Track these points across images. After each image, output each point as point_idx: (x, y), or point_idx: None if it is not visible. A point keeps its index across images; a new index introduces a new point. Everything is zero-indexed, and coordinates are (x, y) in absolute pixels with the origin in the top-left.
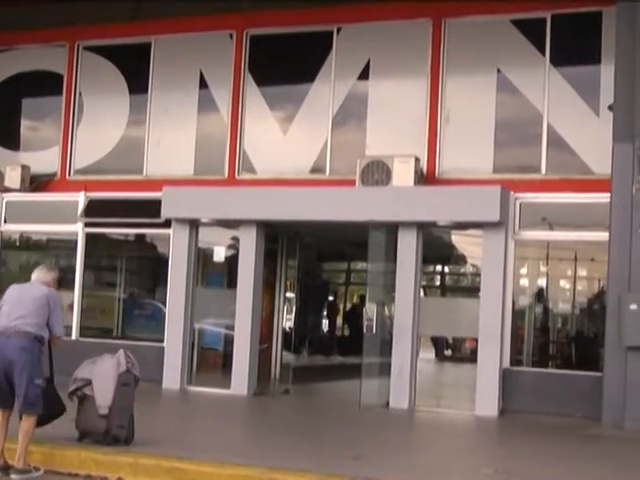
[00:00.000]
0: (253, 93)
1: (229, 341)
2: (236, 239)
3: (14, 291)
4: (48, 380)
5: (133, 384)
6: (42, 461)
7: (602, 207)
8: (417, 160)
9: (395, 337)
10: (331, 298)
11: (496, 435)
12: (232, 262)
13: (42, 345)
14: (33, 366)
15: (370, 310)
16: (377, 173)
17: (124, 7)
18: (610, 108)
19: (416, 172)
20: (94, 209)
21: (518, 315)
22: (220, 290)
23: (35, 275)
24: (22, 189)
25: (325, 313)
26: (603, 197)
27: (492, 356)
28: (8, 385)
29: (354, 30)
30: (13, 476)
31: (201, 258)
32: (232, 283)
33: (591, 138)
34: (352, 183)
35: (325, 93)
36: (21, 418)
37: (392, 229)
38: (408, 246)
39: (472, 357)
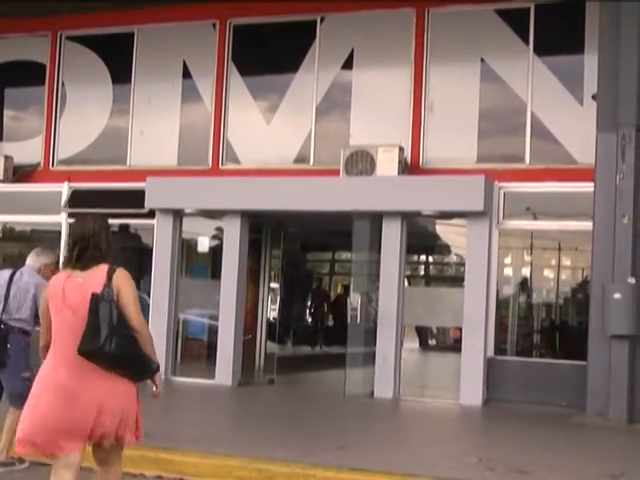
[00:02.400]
0: (237, 83)
1: (213, 331)
2: (220, 229)
3: (1, 282)
4: None
5: None
6: (27, 453)
7: (586, 197)
8: (401, 150)
9: (379, 327)
10: (315, 288)
11: (480, 424)
12: (216, 252)
13: (28, 337)
14: (18, 359)
15: (354, 300)
16: (361, 163)
17: None
18: (594, 98)
19: (400, 162)
20: (78, 199)
21: (502, 304)
22: (204, 280)
23: (28, 260)
24: (5, 180)
25: (309, 303)
26: (587, 186)
27: (476, 345)
28: None
29: (338, 19)
30: None
31: (185, 248)
32: (216, 273)
33: (575, 128)
34: (336, 173)
35: (309, 83)
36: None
37: (376, 219)
38: (392, 236)
39: (456, 346)
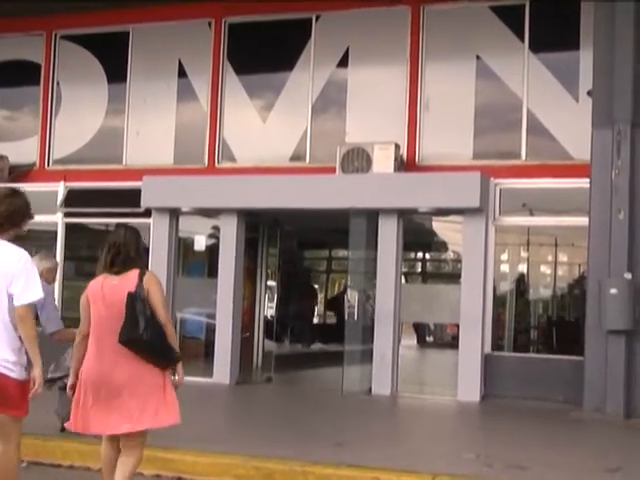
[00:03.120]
0: (232, 81)
1: (211, 330)
2: (217, 228)
3: None
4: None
5: None
6: (25, 453)
7: (582, 192)
8: (397, 147)
9: (377, 324)
10: (312, 286)
11: (478, 420)
12: (213, 251)
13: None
14: None
15: (352, 297)
16: (357, 160)
17: None
18: (589, 94)
19: (396, 159)
20: (74, 199)
21: (499, 301)
22: (201, 279)
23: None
24: (1, 180)
25: (306, 301)
26: (583, 182)
27: (474, 342)
28: None
29: (333, 18)
30: None
31: (182, 247)
32: (213, 272)
33: (570, 124)
34: (332, 170)
35: (304, 81)
36: None
37: (373, 216)
38: (389, 233)
39: (454, 343)
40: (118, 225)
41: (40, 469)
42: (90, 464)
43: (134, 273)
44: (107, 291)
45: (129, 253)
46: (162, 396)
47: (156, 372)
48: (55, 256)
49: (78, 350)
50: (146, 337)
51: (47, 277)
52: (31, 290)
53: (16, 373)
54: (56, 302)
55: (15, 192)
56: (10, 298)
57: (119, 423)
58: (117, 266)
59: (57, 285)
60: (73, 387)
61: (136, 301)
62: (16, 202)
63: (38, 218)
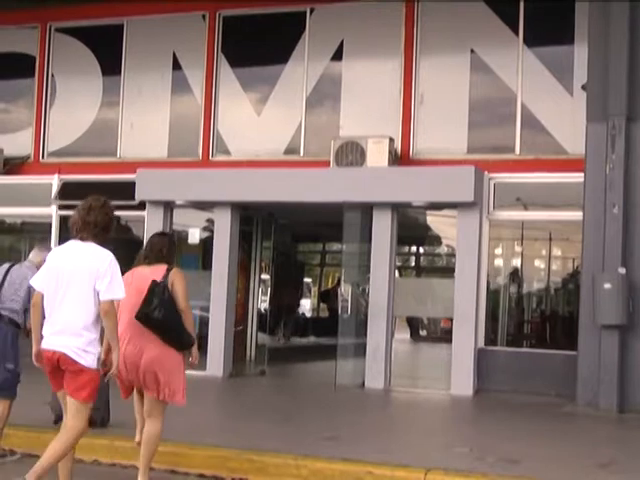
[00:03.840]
0: (227, 74)
1: (204, 323)
2: (211, 221)
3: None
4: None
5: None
6: (18, 445)
7: (576, 187)
8: (391, 141)
9: (370, 318)
10: (306, 279)
11: (471, 414)
12: (207, 244)
13: (18, 330)
14: (5, 350)
15: (345, 291)
16: (351, 154)
17: None
18: (584, 88)
19: (390, 153)
20: (68, 191)
21: (493, 295)
22: (195, 272)
23: (30, 255)
24: None
25: (300, 294)
26: (577, 177)
27: (467, 336)
28: None
29: (327, 10)
30: None
31: (176, 240)
32: (207, 265)
33: (565, 118)
34: (326, 164)
35: (299, 74)
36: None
37: (367, 210)
38: (383, 227)
39: (447, 337)
40: (158, 233)
41: (34, 461)
42: (83, 456)
43: (163, 267)
44: (137, 278)
45: (161, 251)
46: (179, 377)
47: (174, 354)
48: (51, 248)
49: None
50: (157, 315)
51: None
52: (115, 288)
53: (85, 361)
54: None
55: (106, 202)
56: (96, 294)
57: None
58: (149, 259)
59: None
60: (105, 363)
61: (156, 286)
62: (109, 213)
63: (33, 210)
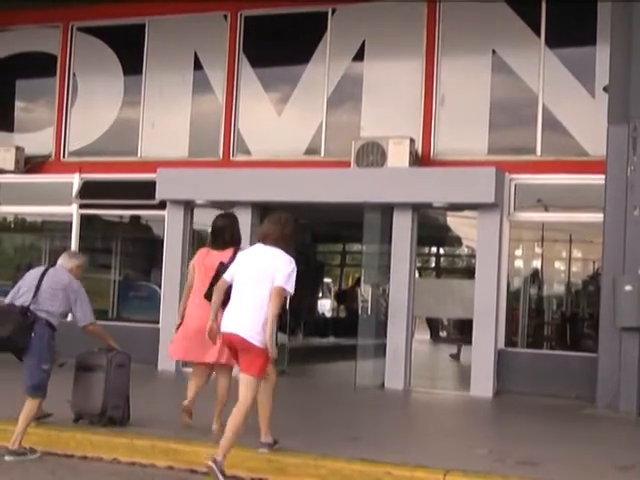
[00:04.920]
0: (248, 74)
1: None
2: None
3: (34, 274)
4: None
5: (128, 365)
6: (38, 443)
7: (597, 189)
8: (412, 141)
9: (390, 318)
10: (326, 280)
11: (490, 416)
12: None
13: (53, 331)
14: (42, 351)
15: (365, 291)
16: (372, 154)
17: None
18: (605, 90)
19: (411, 153)
20: (89, 191)
21: (513, 296)
22: None
23: (59, 261)
24: (16, 171)
25: (320, 295)
26: (598, 179)
27: (487, 337)
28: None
29: (349, 11)
30: (7, 458)
31: (196, 239)
32: None
33: (586, 120)
34: (347, 164)
35: (320, 74)
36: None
37: (387, 210)
38: (403, 227)
39: (467, 338)
40: (222, 214)
41: (53, 459)
42: (103, 454)
43: (230, 250)
44: (207, 259)
45: (225, 236)
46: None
47: None
48: (80, 255)
49: (184, 298)
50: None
51: (76, 273)
52: (290, 282)
53: (258, 342)
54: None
55: (286, 219)
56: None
57: (205, 355)
58: (217, 244)
59: None
60: (178, 327)
61: (222, 268)
62: (294, 226)
63: (53, 209)
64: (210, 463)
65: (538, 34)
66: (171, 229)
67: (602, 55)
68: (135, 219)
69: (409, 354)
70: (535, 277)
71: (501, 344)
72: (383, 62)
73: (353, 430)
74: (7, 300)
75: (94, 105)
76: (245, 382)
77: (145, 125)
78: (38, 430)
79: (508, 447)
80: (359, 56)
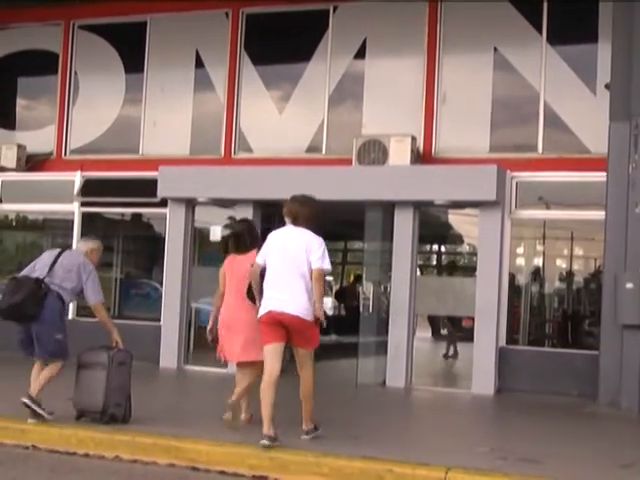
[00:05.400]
0: (249, 72)
1: None
2: (233, 218)
3: (51, 254)
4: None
5: (129, 362)
6: (40, 440)
7: (599, 186)
8: (414, 139)
9: (391, 316)
10: (327, 277)
11: (492, 414)
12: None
13: (63, 305)
14: (54, 322)
15: (367, 289)
16: (373, 152)
17: None
18: (607, 87)
19: (412, 151)
20: (90, 188)
21: (514, 294)
22: (216, 269)
23: (77, 245)
24: (18, 168)
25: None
26: (600, 176)
27: (488, 335)
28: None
29: (350, 8)
30: (30, 420)
31: (197, 237)
32: None
33: (588, 117)
34: (348, 162)
35: (321, 72)
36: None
37: (388, 208)
38: (404, 225)
39: (468, 336)
40: (237, 220)
41: (55, 457)
42: (104, 452)
43: (253, 253)
44: (236, 264)
45: (246, 241)
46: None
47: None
48: (95, 239)
49: (217, 303)
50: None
51: (92, 257)
52: (326, 260)
53: (309, 317)
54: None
55: (312, 199)
56: (309, 265)
57: (237, 352)
58: (240, 249)
59: None
60: (212, 330)
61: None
62: (315, 207)
63: (55, 207)
64: (304, 436)
65: (540, 31)
66: (172, 227)
67: (604, 52)
68: (136, 217)
69: (410, 352)
70: (536, 275)
71: (502, 342)
72: (384, 60)
73: (354, 428)
74: (22, 274)
75: (96, 103)
76: (303, 355)
77: (147, 123)
78: (40, 427)
79: (510, 445)
80: (360, 54)
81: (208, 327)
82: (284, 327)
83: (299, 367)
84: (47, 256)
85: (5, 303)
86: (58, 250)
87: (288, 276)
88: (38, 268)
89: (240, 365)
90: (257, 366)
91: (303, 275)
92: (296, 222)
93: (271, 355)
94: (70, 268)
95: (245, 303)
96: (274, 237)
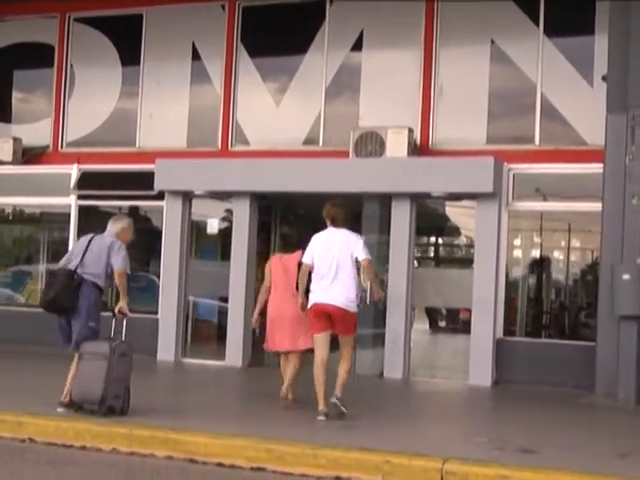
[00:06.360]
0: (246, 65)
1: (223, 313)
2: (229, 211)
3: (83, 241)
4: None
5: (130, 354)
6: (36, 433)
7: (595, 178)
8: (411, 131)
9: (389, 308)
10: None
11: (489, 404)
12: (226, 234)
13: (99, 291)
14: (89, 310)
15: (364, 281)
16: (370, 144)
17: None
18: (604, 79)
19: (410, 143)
20: (87, 182)
21: (512, 286)
22: (214, 262)
23: (107, 227)
24: (14, 162)
25: None
26: (596, 168)
27: (486, 326)
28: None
29: (347, 1)
30: (59, 409)
31: (194, 230)
32: (226, 255)
33: (585, 109)
34: (345, 154)
35: (318, 64)
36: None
37: (385, 200)
38: (402, 217)
39: (466, 328)
40: (288, 229)
41: (52, 449)
42: (102, 445)
43: (298, 253)
44: (282, 262)
45: (292, 242)
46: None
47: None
48: (125, 217)
49: (262, 296)
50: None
51: (123, 236)
52: (367, 252)
53: (353, 309)
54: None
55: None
56: (353, 260)
57: (285, 341)
58: (286, 249)
59: None
60: (256, 321)
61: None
62: (346, 208)
63: (51, 200)
64: (334, 400)
65: (537, 24)
66: (169, 220)
67: (601, 44)
68: (133, 210)
69: (408, 343)
70: (534, 266)
71: (500, 333)
72: (381, 52)
73: (352, 419)
74: (59, 265)
75: (92, 96)
76: (346, 341)
77: (143, 116)
78: (36, 420)
79: (507, 435)
80: (357, 46)
81: (253, 319)
82: (329, 317)
83: (341, 348)
84: (80, 244)
85: (43, 299)
86: (90, 236)
87: (336, 274)
88: (74, 257)
89: (287, 354)
90: (300, 353)
91: (347, 270)
92: (335, 223)
93: (320, 342)
94: (99, 253)
95: (291, 298)
96: (319, 239)
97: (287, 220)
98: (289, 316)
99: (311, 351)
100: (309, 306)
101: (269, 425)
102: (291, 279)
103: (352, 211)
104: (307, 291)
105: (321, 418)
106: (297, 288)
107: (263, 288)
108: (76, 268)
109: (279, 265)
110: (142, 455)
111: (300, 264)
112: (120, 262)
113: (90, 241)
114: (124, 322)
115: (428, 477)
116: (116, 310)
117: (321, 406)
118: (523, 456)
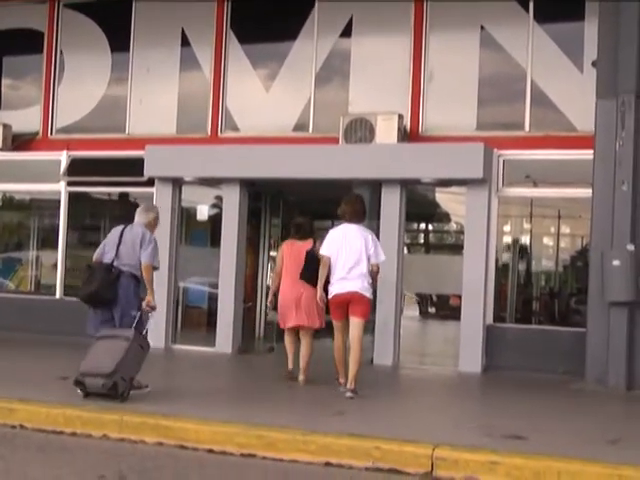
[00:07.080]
0: (236, 51)
1: (213, 299)
2: (219, 198)
3: (115, 233)
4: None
5: (146, 351)
6: (27, 419)
7: (585, 164)
8: (400, 117)
9: (379, 294)
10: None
11: (479, 391)
12: (216, 220)
13: (137, 281)
14: (129, 300)
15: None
16: (360, 130)
17: None
18: (594, 64)
19: (399, 129)
20: (77, 168)
21: (501, 272)
22: (204, 248)
23: (136, 218)
24: (4, 148)
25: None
26: (586, 154)
27: (476, 313)
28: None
29: None
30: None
31: (184, 217)
32: (216, 241)
33: (575, 95)
34: (335, 141)
35: (308, 50)
36: None
37: (376, 186)
38: (391, 204)
39: (456, 314)
40: (300, 215)
41: (42, 436)
42: (92, 431)
43: (310, 241)
44: (294, 248)
45: (306, 230)
46: (318, 307)
47: (314, 293)
48: (155, 206)
49: (275, 281)
50: (306, 276)
51: (153, 225)
52: (380, 253)
53: (369, 295)
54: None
55: (360, 199)
56: (367, 255)
57: (298, 320)
58: (300, 235)
59: (60, 254)
60: (272, 301)
61: (309, 254)
62: (363, 204)
63: (41, 187)
64: (349, 394)
65: (527, 9)
66: (159, 206)
67: (590, 30)
68: (123, 196)
69: (398, 330)
70: (524, 253)
71: (489, 319)
72: (371, 38)
73: (342, 405)
74: (94, 258)
75: (81, 82)
76: (357, 324)
77: (133, 102)
78: (27, 406)
79: (496, 421)
80: (347, 32)
81: (268, 300)
82: (347, 306)
83: (352, 330)
84: (112, 236)
85: (83, 292)
86: (121, 228)
87: (354, 265)
88: (107, 250)
89: (298, 330)
90: (310, 333)
91: (362, 262)
92: (351, 219)
93: (339, 328)
94: (132, 244)
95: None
96: (336, 233)
97: (277, 206)
98: (304, 296)
99: (321, 331)
100: (330, 297)
101: (260, 411)
102: (298, 264)
103: (365, 207)
104: (316, 281)
105: (349, 395)
106: (301, 276)
107: (275, 272)
108: (112, 261)
109: (291, 251)
110: (132, 441)
111: (308, 252)
112: (147, 256)
113: (122, 233)
114: (149, 316)
115: (418, 463)
116: (144, 305)
117: (349, 384)
118: (513, 442)
